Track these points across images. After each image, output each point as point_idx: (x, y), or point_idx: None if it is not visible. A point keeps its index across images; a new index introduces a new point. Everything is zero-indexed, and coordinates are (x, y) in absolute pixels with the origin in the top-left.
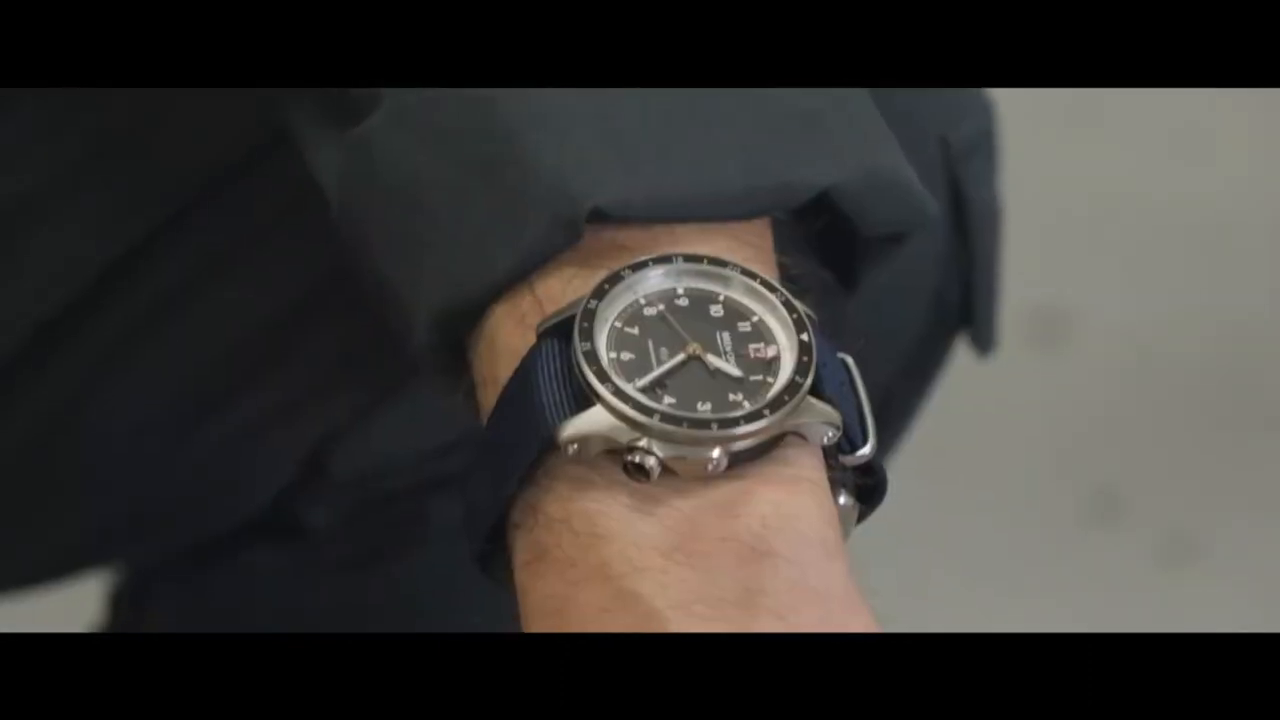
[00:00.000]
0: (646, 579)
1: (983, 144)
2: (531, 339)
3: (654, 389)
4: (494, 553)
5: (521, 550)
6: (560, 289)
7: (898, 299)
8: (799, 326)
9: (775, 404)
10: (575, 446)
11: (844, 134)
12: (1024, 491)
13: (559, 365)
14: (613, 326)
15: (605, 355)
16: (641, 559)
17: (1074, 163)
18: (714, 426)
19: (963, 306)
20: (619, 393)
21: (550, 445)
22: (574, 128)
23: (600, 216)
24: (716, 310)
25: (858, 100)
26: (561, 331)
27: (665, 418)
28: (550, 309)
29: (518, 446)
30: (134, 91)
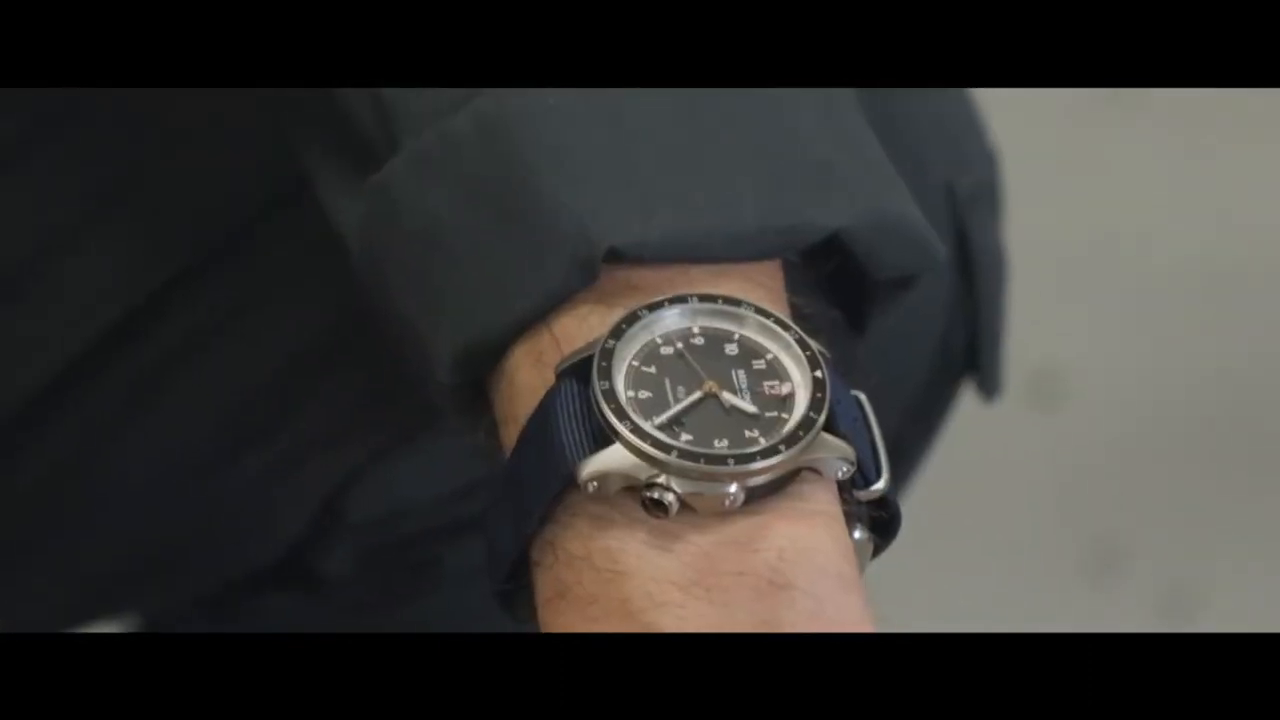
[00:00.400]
0: (666, 614)
1: (987, 192)
2: (550, 378)
3: (671, 426)
4: (515, 591)
5: (543, 588)
6: (577, 328)
7: (905, 345)
8: (812, 364)
9: (790, 440)
10: (595, 484)
11: (854, 177)
12: (1025, 545)
13: (578, 404)
14: (630, 365)
15: (623, 394)
16: (660, 594)
17: (1069, 217)
18: (731, 462)
19: (968, 352)
20: (637, 430)
21: (570, 483)
22: (590, 168)
23: (616, 257)
24: (732, 348)
25: (867, 144)
26: (580, 371)
27: (683, 454)
28: (567, 348)
29: (538, 485)
30: (161, 127)
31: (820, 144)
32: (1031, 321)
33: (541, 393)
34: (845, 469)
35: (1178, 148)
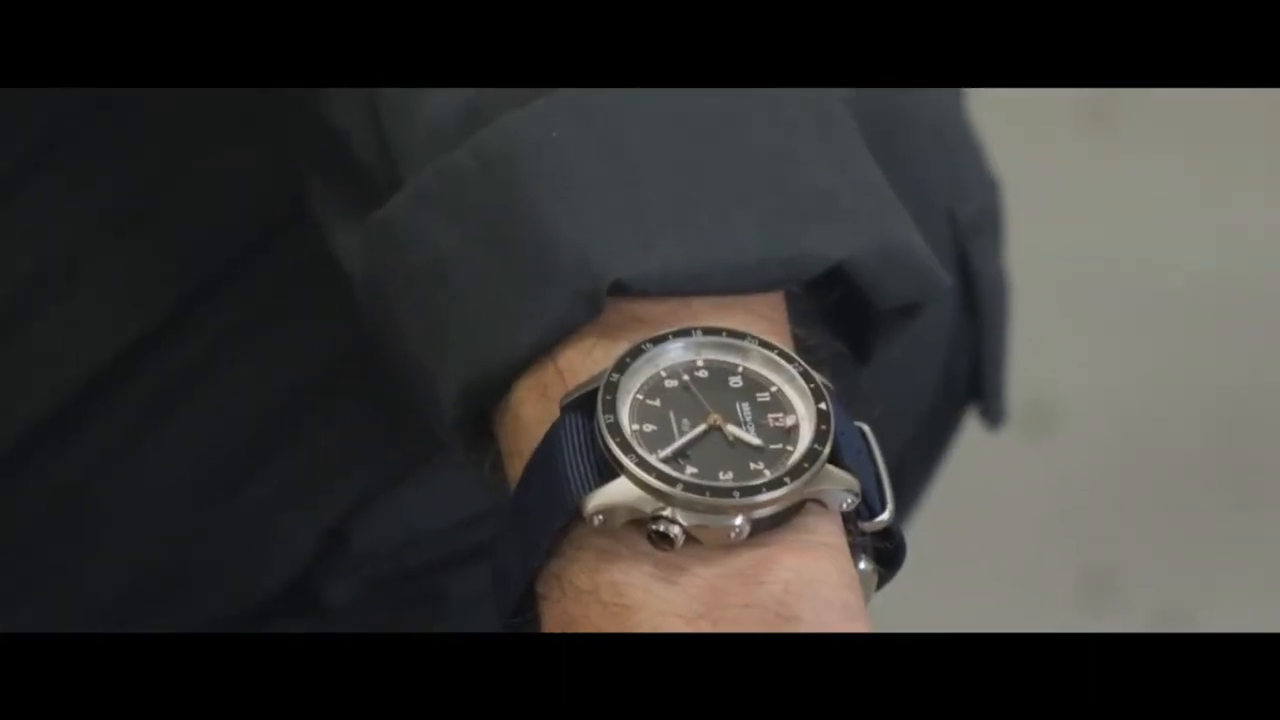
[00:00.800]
0: None
1: (989, 219)
2: (555, 412)
3: (676, 459)
4: (522, 625)
5: (550, 621)
6: (581, 361)
7: (909, 375)
8: (817, 396)
9: (795, 472)
10: (601, 517)
11: (857, 207)
12: (1019, 573)
13: (582, 438)
14: (634, 399)
15: (628, 427)
16: (667, 627)
17: (1056, 246)
18: (736, 495)
19: (971, 380)
20: (643, 464)
21: (576, 516)
22: (593, 201)
23: (620, 290)
24: (736, 381)
25: (869, 172)
26: (584, 404)
27: (688, 487)
28: (572, 381)
29: (544, 518)
30: (163, 152)
31: (822, 173)
32: (1023, 351)
33: (546, 426)
34: (850, 500)
35: (1172, 175)
